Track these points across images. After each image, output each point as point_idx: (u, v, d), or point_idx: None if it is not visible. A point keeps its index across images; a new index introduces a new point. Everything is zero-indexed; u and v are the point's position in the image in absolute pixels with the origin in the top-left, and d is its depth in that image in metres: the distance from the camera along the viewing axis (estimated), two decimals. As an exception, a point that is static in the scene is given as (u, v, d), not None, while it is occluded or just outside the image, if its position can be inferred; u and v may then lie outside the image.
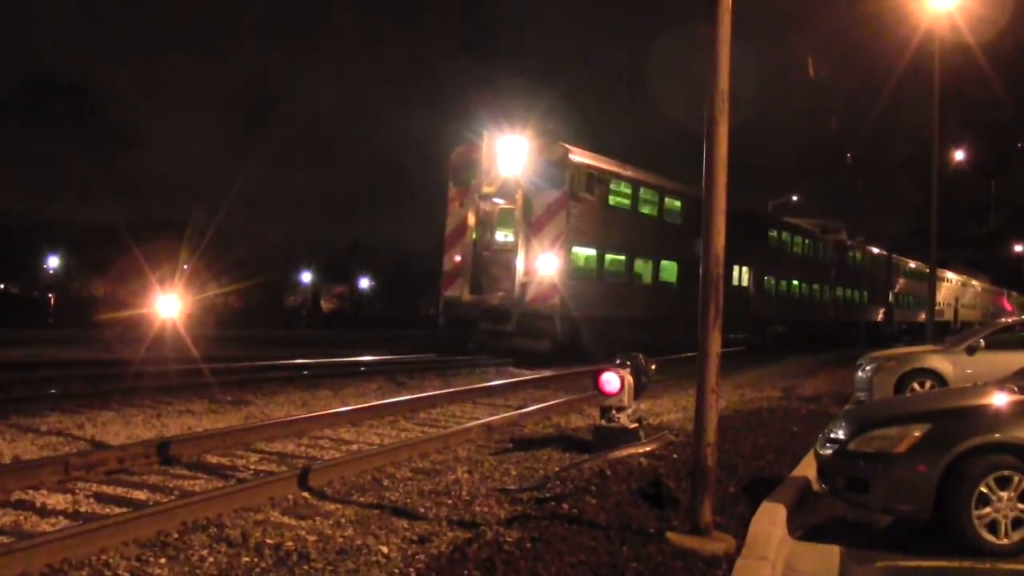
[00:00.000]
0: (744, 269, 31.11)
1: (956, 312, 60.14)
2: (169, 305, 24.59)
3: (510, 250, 21.20)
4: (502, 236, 21.97)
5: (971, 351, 12.69)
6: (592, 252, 22.55)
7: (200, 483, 7.11)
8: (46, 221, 62.33)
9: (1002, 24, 28.14)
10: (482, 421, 10.70)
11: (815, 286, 40.01)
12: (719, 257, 5.71)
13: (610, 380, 8.94)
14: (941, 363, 12.87)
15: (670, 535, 5.51)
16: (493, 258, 21.74)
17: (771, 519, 6.03)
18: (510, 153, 20.65)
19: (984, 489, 5.77)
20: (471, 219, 21.53)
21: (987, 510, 5.77)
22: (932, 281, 26.97)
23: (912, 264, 53.97)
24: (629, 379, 8.98)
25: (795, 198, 53.89)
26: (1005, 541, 5.78)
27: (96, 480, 7.00)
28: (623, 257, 23.97)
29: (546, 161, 20.88)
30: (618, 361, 9.16)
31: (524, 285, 20.44)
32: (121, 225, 44.29)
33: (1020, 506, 5.81)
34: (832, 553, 5.79)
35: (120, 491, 6.77)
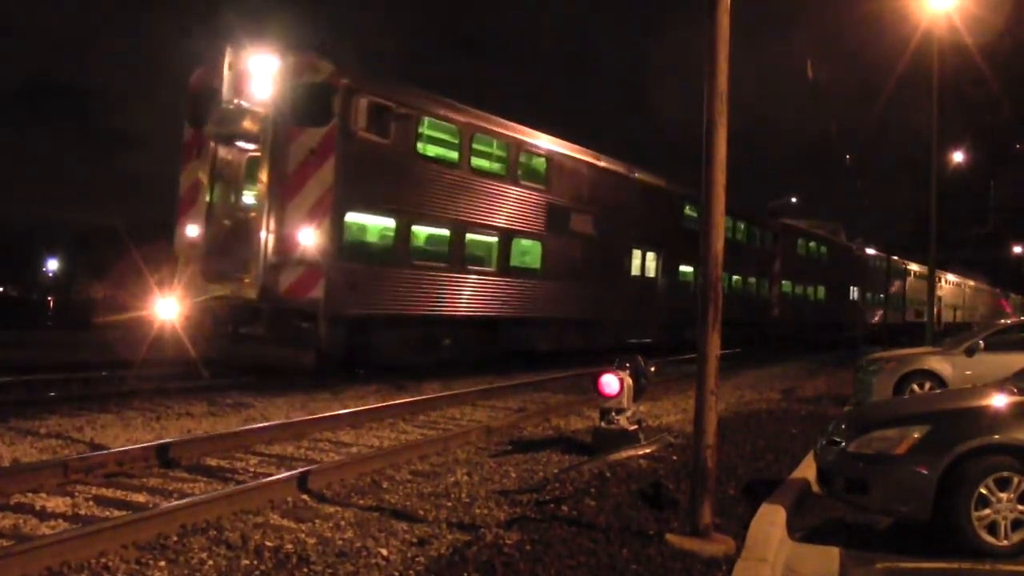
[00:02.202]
0: (649, 255, 24.18)
1: (939, 312, 57.70)
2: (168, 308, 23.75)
3: (255, 217, 14.20)
4: (251, 198, 14.86)
5: (970, 352, 12.70)
6: (388, 222, 15.48)
7: (200, 486, 7.11)
8: (46, 223, 62.32)
9: (1001, 26, 28.22)
10: (481, 423, 10.71)
11: (751, 280, 32.15)
12: (719, 258, 5.70)
13: (609, 382, 8.95)
14: (940, 364, 12.87)
15: (670, 537, 5.51)
16: (236, 230, 14.55)
17: (771, 521, 6.03)
18: (259, 76, 14.15)
19: (984, 490, 5.77)
20: (206, 173, 14.66)
21: (987, 511, 5.77)
22: (931, 281, 26.99)
23: (874, 254, 48.02)
24: (628, 381, 8.99)
25: (794, 199, 53.87)
26: (1005, 542, 5.78)
27: (95, 483, 6.99)
28: (446, 231, 16.52)
29: (307, 85, 14.09)
30: (617, 363, 9.16)
31: (275, 269, 13.82)
32: (121, 227, 44.27)
33: (1020, 507, 5.81)
34: (832, 555, 5.79)
35: (119, 494, 6.76)
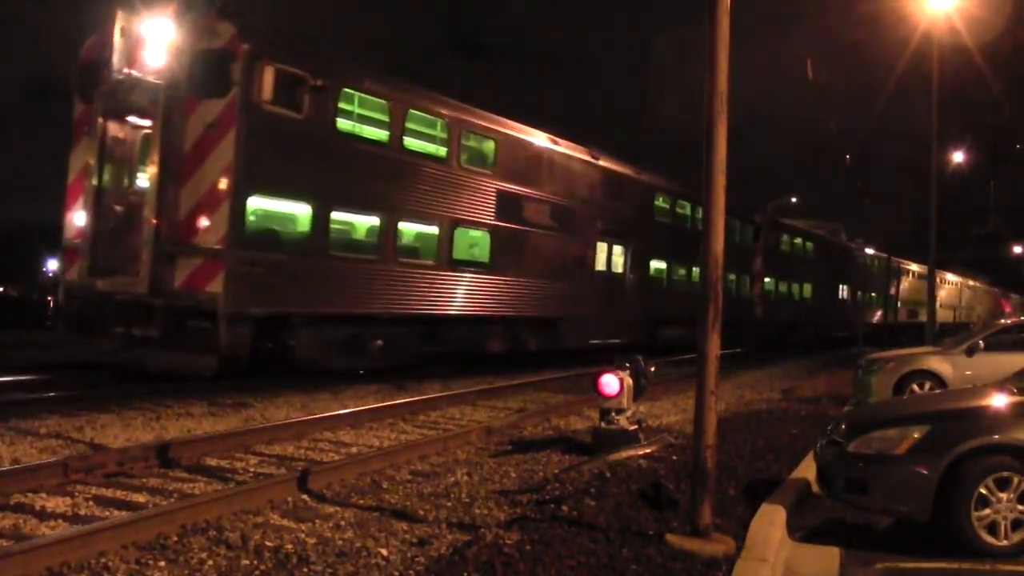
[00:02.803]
0: (616, 249, 22.09)
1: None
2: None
3: (146, 202, 12.47)
4: (145, 180, 12.81)
5: (970, 352, 12.70)
6: (303, 208, 13.58)
7: (200, 486, 7.11)
8: (46, 224, 62.32)
9: (1001, 26, 28.23)
10: (481, 423, 10.72)
11: (731, 277, 29.56)
12: (719, 258, 5.69)
13: (609, 382, 8.95)
14: (940, 364, 12.88)
15: (669, 537, 5.51)
16: (128, 217, 12.95)
17: (771, 521, 6.03)
18: (154, 43, 12.54)
19: (983, 490, 5.78)
20: (93, 154, 12.93)
21: (987, 511, 5.78)
22: (931, 281, 27.01)
23: (864, 251, 46.28)
24: (628, 381, 8.99)
25: (794, 199, 53.85)
26: (1005, 542, 5.78)
27: (95, 483, 6.99)
28: (375, 220, 14.76)
29: (204, 52, 12.35)
30: (617, 363, 9.17)
31: (169, 260, 12.19)
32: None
33: (1020, 507, 5.82)
34: (832, 555, 5.80)
35: (119, 494, 6.76)
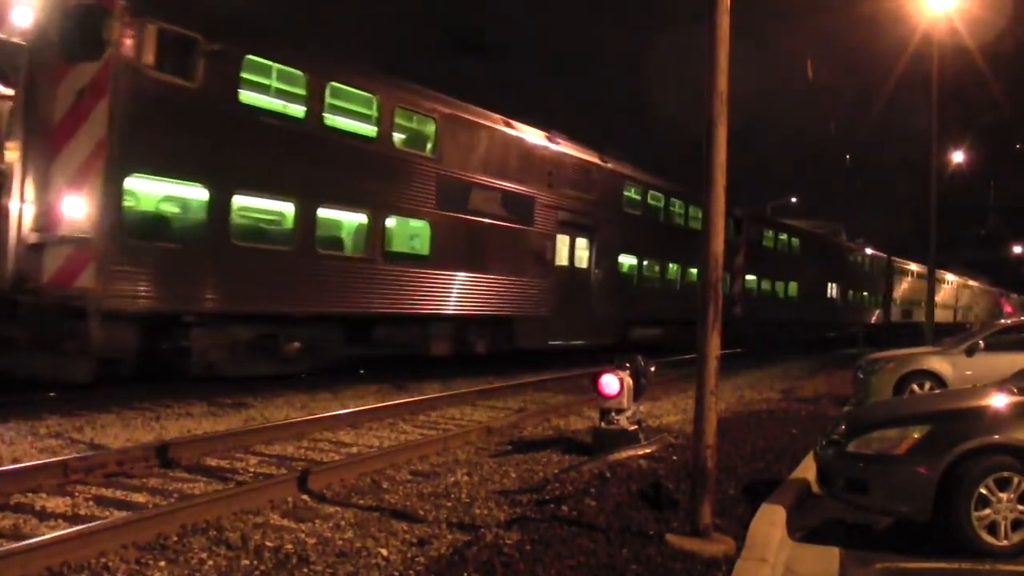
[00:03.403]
0: (580, 242, 20.19)
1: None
2: None
3: (5, 181, 11.10)
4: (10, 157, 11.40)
5: (970, 352, 12.71)
6: (198, 191, 11.88)
7: (200, 486, 7.11)
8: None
9: (1001, 26, 28.27)
10: (481, 423, 10.72)
11: (692, 270, 27.00)
12: (719, 259, 5.69)
13: (609, 382, 8.95)
14: (940, 364, 12.88)
15: (670, 537, 5.51)
16: None
17: (771, 521, 6.03)
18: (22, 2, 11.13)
19: (984, 490, 5.78)
20: None
21: (987, 511, 5.78)
22: (931, 281, 27.02)
23: (855, 248, 44.55)
24: (628, 381, 8.99)
25: (794, 200, 53.89)
26: (1005, 542, 5.78)
27: (95, 483, 6.99)
28: (289, 206, 13.01)
29: (76, 8, 10.94)
30: (617, 363, 9.17)
31: (35, 250, 10.81)
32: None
33: (1020, 507, 5.82)
34: (832, 555, 5.79)
35: (119, 494, 6.76)
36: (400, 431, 10.32)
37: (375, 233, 14.24)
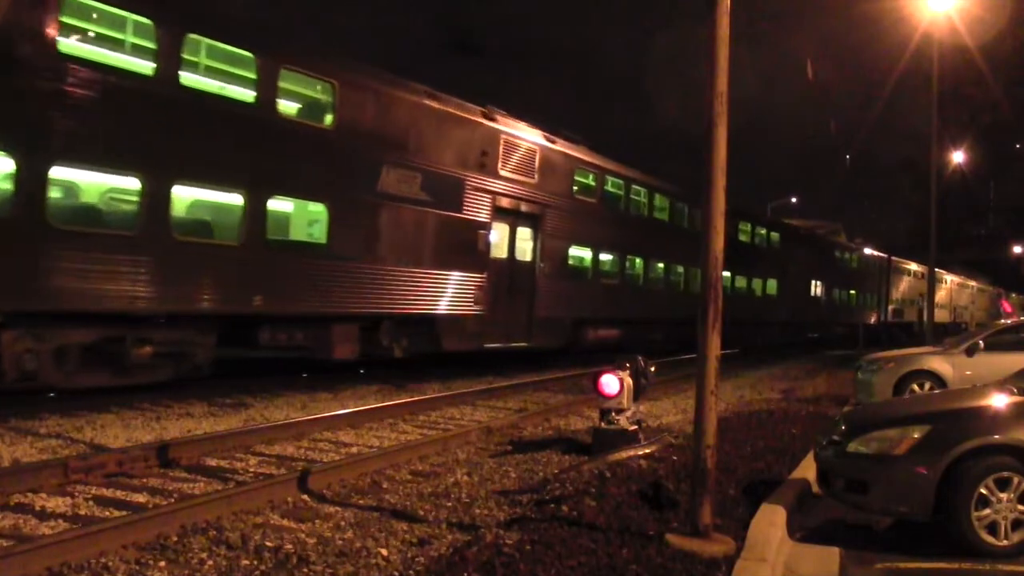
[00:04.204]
0: (522, 232, 17.91)
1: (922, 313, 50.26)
2: None
3: None
4: None
5: (970, 352, 12.72)
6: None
7: (200, 486, 7.11)
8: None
9: (1001, 26, 28.26)
10: (481, 423, 10.72)
11: (678, 269, 25.72)
12: (719, 258, 5.69)
13: (609, 382, 8.95)
14: (940, 364, 12.89)
15: (670, 537, 5.51)
16: None
17: (771, 521, 6.03)
18: None
19: (984, 490, 5.78)
20: None
21: (986, 511, 5.78)
22: (931, 281, 27.03)
23: (843, 245, 42.65)
24: (628, 381, 8.99)
25: (794, 200, 53.86)
26: (1005, 542, 5.78)
27: (95, 483, 6.99)
28: (133, 181, 10.77)
29: None
30: (617, 363, 9.17)
31: None
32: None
33: (1020, 507, 5.82)
34: (832, 555, 5.79)
35: (119, 494, 6.76)
36: (400, 431, 10.32)
37: (253, 217, 11.92)
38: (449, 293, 15.68)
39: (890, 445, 6.12)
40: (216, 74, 12.13)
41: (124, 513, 6.03)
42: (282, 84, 12.51)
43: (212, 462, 8.03)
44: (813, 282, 37.55)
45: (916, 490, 5.90)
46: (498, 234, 17.14)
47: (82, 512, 6.22)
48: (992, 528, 5.78)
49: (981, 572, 5.58)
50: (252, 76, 12.11)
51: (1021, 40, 29.89)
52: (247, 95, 12.13)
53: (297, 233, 13.65)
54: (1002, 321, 20.56)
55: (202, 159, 11.32)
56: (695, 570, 5.04)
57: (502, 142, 17.04)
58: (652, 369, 9.51)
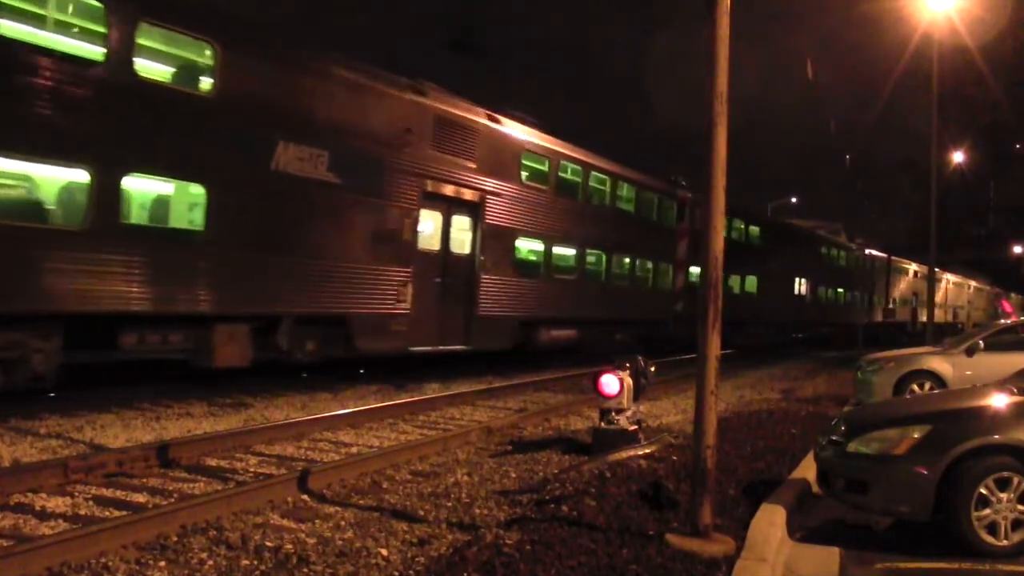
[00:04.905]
0: (458, 220, 15.93)
1: (915, 313, 49.00)
2: None
3: None
4: None
5: (970, 352, 12.72)
6: None
7: (200, 486, 7.11)
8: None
9: (1001, 26, 28.28)
10: (482, 423, 10.72)
11: (647, 265, 23.83)
12: (719, 258, 5.69)
13: (609, 382, 8.95)
14: (940, 364, 12.90)
15: (670, 537, 5.51)
16: None
17: (771, 521, 6.03)
18: None
19: (984, 491, 5.78)
20: None
21: (986, 511, 5.78)
22: (931, 281, 27.04)
23: (830, 240, 41.00)
24: (628, 381, 8.99)
25: (794, 200, 53.85)
26: (1005, 542, 5.78)
27: (95, 483, 6.99)
28: None
29: None
30: (617, 363, 9.17)
31: None
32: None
33: (1020, 507, 5.82)
34: (832, 555, 5.79)
35: (119, 494, 6.76)
36: (400, 431, 10.32)
37: (102, 197, 9.95)
38: (365, 289, 13.71)
39: (890, 445, 6.13)
40: (53, 25, 10.24)
41: (124, 513, 6.03)
42: (142, 41, 10.47)
43: (212, 462, 8.03)
44: (797, 280, 35.98)
45: (916, 490, 5.90)
46: (429, 223, 15.12)
47: (82, 512, 6.22)
48: (992, 528, 5.79)
49: (981, 572, 5.58)
50: (101, 30, 10.11)
51: (1021, 40, 29.90)
52: (94, 52, 10.14)
53: (167, 218, 11.64)
54: (1002, 321, 20.57)
55: (25, 124, 9.27)
56: (695, 570, 5.04)
57: (433, 120, 14.96)
58: (652, 369, 9.52)
